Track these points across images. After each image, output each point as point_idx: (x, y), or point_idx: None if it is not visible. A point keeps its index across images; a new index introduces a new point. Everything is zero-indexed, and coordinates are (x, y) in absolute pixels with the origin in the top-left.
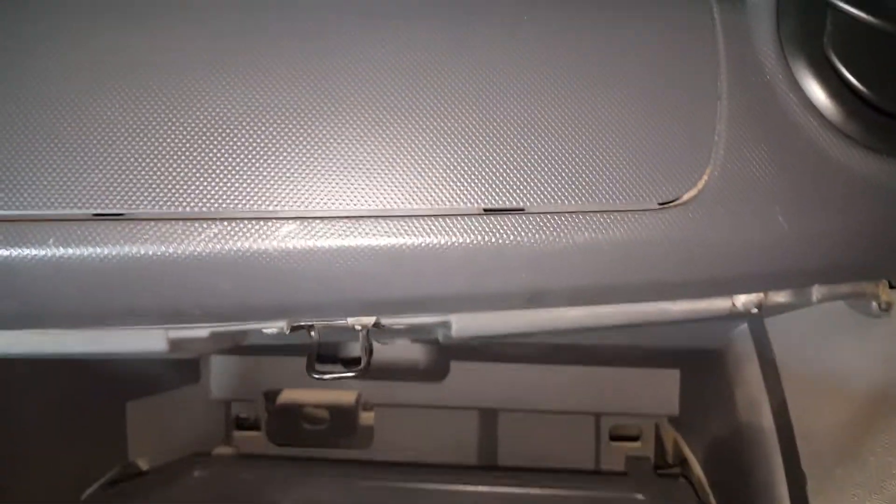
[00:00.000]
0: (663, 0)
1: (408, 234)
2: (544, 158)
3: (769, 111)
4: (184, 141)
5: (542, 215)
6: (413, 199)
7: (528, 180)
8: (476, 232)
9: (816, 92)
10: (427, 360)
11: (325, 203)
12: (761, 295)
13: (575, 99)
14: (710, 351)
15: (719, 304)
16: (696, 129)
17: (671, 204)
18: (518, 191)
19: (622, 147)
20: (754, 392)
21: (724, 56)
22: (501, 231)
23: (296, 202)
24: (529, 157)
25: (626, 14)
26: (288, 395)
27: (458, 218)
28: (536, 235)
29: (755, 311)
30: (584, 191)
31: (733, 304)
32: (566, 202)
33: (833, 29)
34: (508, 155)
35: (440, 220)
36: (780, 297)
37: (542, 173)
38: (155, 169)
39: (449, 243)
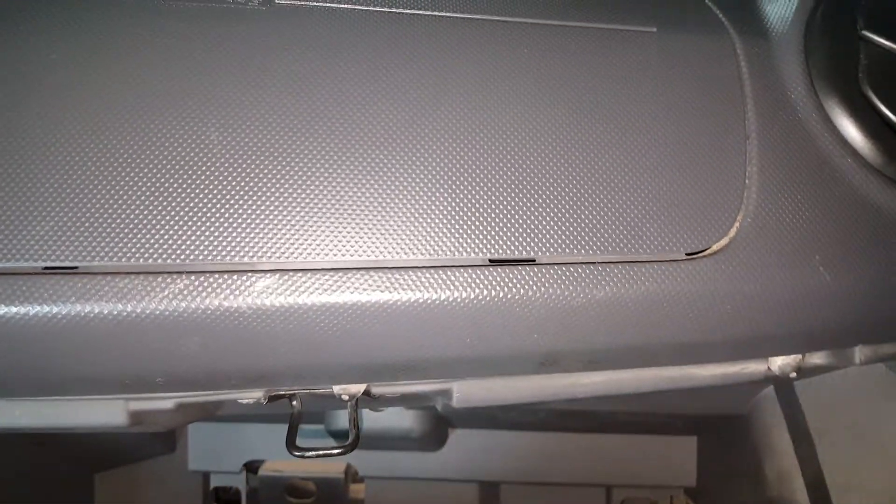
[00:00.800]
0: (681, 36)
1: (403, 289)
2: (557, 203)
3: (803, 151)
4: (145, 184)
5: (555, 267)
6: (409, 249)
7: (539, 227)
8: (481, 286)
9: (852, 131)
10: (423, 427)
11: (308, 253)
12: (799, 357)
13: (589, 138)
14: (731, 416)
15: (753, 367)
16: (724, 171)
17: (700, 254)
18: (528, 239)
19: (644, 191)
20: (785, 463)
21: (751, 93)
22: (509, 285)
23: (274, 252)
24: (540, 201)
25: (642, 53)
26: (271, 467)
27: (461, 270)
28: (549, 290)
29: (793, 375)
30: (601, 240)
31: (769, 368)
32: (582, 252)
33: (869, 63)
34: (517, 199)
35: (440, 272)
36: (820, 358)
37: (555, 220)
38: (113, 216)
39: (450, 299)
